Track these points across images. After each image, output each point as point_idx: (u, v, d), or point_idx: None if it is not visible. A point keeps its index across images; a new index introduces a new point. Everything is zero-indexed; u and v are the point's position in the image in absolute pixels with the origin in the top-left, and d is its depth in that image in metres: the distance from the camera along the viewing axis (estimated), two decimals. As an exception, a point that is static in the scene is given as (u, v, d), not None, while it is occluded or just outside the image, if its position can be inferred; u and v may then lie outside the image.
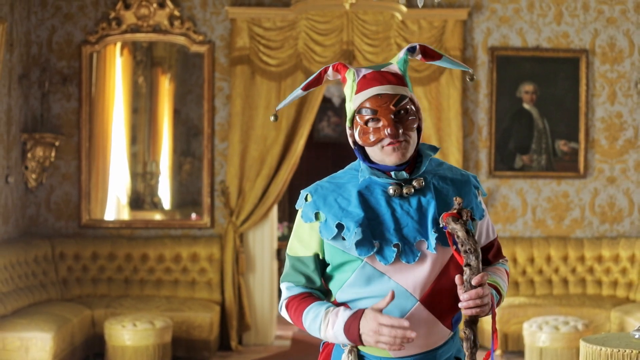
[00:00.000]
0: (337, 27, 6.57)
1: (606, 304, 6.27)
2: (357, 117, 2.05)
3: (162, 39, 6.75)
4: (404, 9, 6.49)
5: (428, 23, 6.61)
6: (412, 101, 2.05)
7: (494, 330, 2.01)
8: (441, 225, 1.98)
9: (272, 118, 2.16)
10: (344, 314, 1.98)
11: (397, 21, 6.58)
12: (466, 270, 1.91)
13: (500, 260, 2.23)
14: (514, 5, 6.75)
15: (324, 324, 2.01)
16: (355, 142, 2.09)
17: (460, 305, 1.93)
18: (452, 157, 6.60)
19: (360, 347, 2.06)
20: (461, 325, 1.94)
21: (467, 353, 1.94)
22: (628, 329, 5.77)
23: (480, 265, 1.92)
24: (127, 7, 6.64)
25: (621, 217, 6.82)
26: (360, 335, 1.94)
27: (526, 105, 6.78)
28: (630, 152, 6.80)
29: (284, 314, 2.14)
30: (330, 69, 2.10)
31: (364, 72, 2.05)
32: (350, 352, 2.06)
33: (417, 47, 2.07)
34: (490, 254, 2.19)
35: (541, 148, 6.79)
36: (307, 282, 2.11)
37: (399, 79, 2.04)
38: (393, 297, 1.92)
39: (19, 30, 6.35)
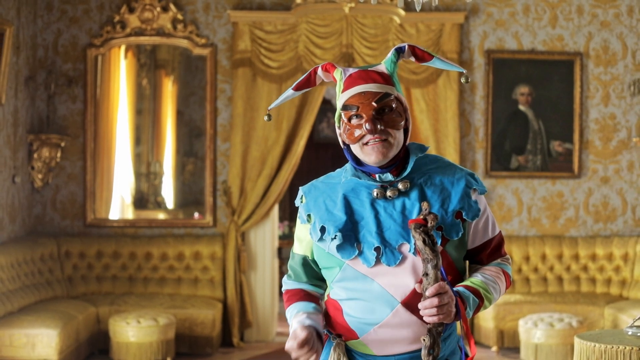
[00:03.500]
0: (337, 31, 6.65)
1: (600, 301, 6.32)
2: (342, 115, 2.05)
3: (166, 42, 6.80)
4: (402, 12, 6.55)
5: (426, 26, 6.68)
6: (398, 100, 2.04)
7: (469, 337, 1.98)
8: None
9: (265, 118, 2.18)
10: (295, 324, 2.10)
11: (396, 24, 6.65)
12: (423, 279, 1.91)
13: (499, 260, 2.16)
14: (510, 9, 6.82)
15: (291, 322, 2.14)
16: (344, 142, 2.09)
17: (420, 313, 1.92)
18: (449, 157, 6.63)
19: (347, 343, 2.09)
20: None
21: (424, 357, 1.91)
22: (621, 325, 5.81)
23: (439, 274, 1.89)
24: (131, 10, 6.69)
25: (614, 217, 6.88)
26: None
27: (522, 107, 6.84)
28: (624, 152, 6.86)
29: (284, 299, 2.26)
30: (320, 69, 2.11)
31: (350, 71, 2.06)
32: (337, 346, 2.09)
33: (406, 47, 2.06)
34: (485, 254, 2.13)
35: (536, 149, 6.84)
36: (296, 277, 2.21)
37: (385, 78, 2.03)
38: (306, 338, 2.01)
39: (26, 33, 6.42)
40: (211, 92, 6.76)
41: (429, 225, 1.89)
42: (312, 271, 2.18)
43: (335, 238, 2.02)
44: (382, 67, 2.06)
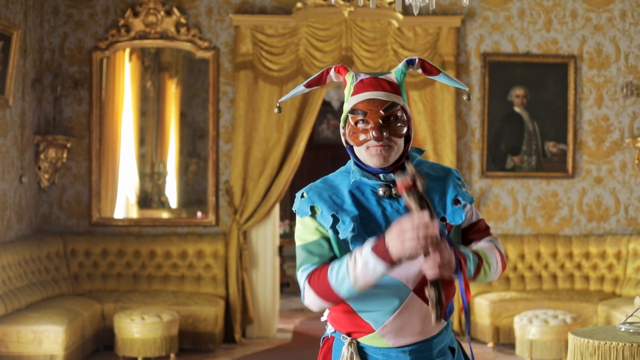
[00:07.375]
0: (337, 34, 6.74)
1: (593, 298, 6.39)
2: (349, 117, 2.12)
3: (169, 45, 6.89)
4: (400, 16, 6.63)
5: (423, 30, 6.77)
6: (403, 110, 2.13)
7: (467, 287, 2.00)
8: (397, 193, 2.04)
9: (276, 110, 2.23)
10: (368, 242, 1.98)
11: (394, 28, 6.74)
12: None
13: (488, 237, 2.22)
14: (506, 13, 6.92)
15: (351, 262, 1.98)
16: (347, 141, 2.16)
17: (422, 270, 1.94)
18: (446, 158, 6.74)
19: (359, 339, 2.11)
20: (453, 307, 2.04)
21: (432, 310, 1.94)
22: (614, 322, 5.89)
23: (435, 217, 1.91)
24: (135, 14, 6.78)
25: (607, 216, 6.96)
26: (388, 248, 1.92)
27: (517, 109, 6.93)
28: (617, 153, 6.95)
29: (308, 295, 2.06)
30: (333, 70, 2.17)
31: (362, 76, 2.12)
32: (350, 344, 2.10)
33: (417, 60, 2.16)
34: (476, 233, 2.21)
35: (531, 149, 6.92)
36: (323, 260, 2.08)
37: (393, 88, 2.12)
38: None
39: (33, 37, 6.52)
40: (214, 94, 6.85)
41: (419, 187, 1.92)
42: (332, 249, 2.10)
43: (351, 229, 2.03)
44: (392, 76, 2.15)
